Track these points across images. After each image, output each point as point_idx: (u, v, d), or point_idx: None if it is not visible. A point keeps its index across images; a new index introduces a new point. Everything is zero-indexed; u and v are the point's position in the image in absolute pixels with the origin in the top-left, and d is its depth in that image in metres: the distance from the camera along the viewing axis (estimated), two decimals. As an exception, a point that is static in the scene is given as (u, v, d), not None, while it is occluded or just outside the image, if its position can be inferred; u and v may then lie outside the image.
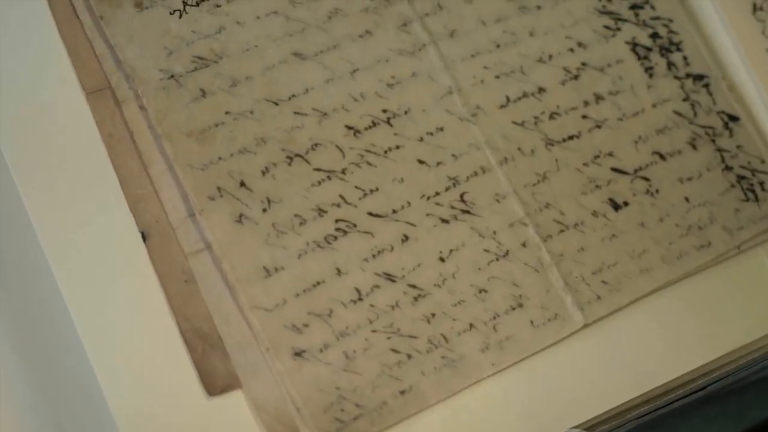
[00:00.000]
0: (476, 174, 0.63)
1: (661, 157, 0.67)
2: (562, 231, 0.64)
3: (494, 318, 0.61)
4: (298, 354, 0.57)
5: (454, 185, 0.62)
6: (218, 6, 0.61)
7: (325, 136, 0.61)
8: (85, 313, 0.56)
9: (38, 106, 0.58)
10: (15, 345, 0.58)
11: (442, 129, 0.63)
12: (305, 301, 0.58)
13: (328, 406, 0.57)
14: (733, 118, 0.70)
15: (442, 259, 0.61)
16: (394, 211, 0.61)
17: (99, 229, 0.57)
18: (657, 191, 0.66)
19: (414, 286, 0.60)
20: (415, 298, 0.60)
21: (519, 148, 0.64)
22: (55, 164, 0.58)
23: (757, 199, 0.68)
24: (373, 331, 0.59)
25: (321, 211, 0.60)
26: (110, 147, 0.58)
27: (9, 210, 0.58)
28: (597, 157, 0.66)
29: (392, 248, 0.60)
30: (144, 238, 0.58)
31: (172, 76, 0.59)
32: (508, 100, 0.65)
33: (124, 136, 0.59)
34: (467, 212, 0.62)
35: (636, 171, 0.66)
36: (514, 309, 0.61)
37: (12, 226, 0.58)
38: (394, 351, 0.59)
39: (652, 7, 0.70)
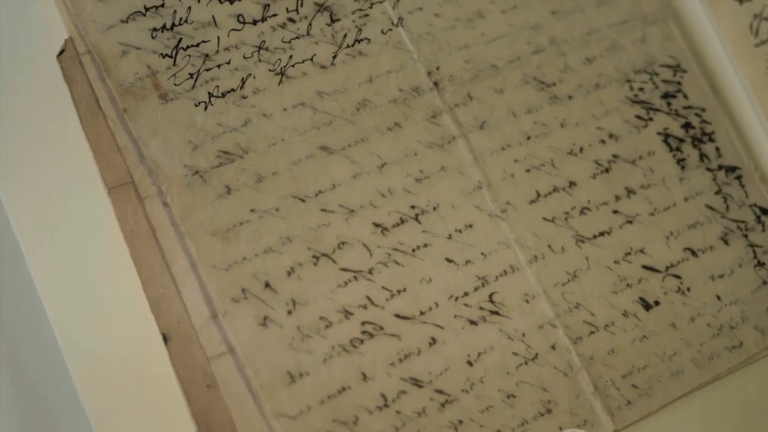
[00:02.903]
0: (505, 273, 0.61)
1: (693, 253, 0.65)
2: (592, 333, 0.62)
3: (522, 425, 0.59)
4: (322, 463, 0.56)
5: (483, 285, 0.61)
6: (244, 98, 0.60)
7: (352, 234, 0.59)
8: (104, 420, 0.54)
9: (59, 202, 0.57)
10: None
11: (471, 226, 0.62)
12: (330, 408, 0.56)
13: None
14: (766, 212, 0.68)
15: (470, 363, 0.59)
16: (422, 313, 0.59)
17: (119, 330, 0.56)
18: (688, 289, 0.65)
19: (441, 392, 0.58)
20: (442, 404, 0.58)
21: (549, 246, 0.63)
22: (75, 261, 0.56)
23: (788, 297, 0.67)
24: (399, 439, 0.57)
25: (347, 313, 0.58)
26: (132, 244, 0.57)
27: (28, 311, 0.56)
28: (628, 254, 0.64)
29: (419, 352, 0.59)
30: (165, 339, 0.56)
31: (196, 172, 0.58)
32: (539, 195, 0.64)
33: (147, 233, 0.57)
34: (496, 313, 0.60)
35: (667, 268, 0.65)
36: (542, 415, 0.60)
37: (30, 324, 0.57)
38: (421, 460, 0.57)
39: (685, 96, 0.69)
